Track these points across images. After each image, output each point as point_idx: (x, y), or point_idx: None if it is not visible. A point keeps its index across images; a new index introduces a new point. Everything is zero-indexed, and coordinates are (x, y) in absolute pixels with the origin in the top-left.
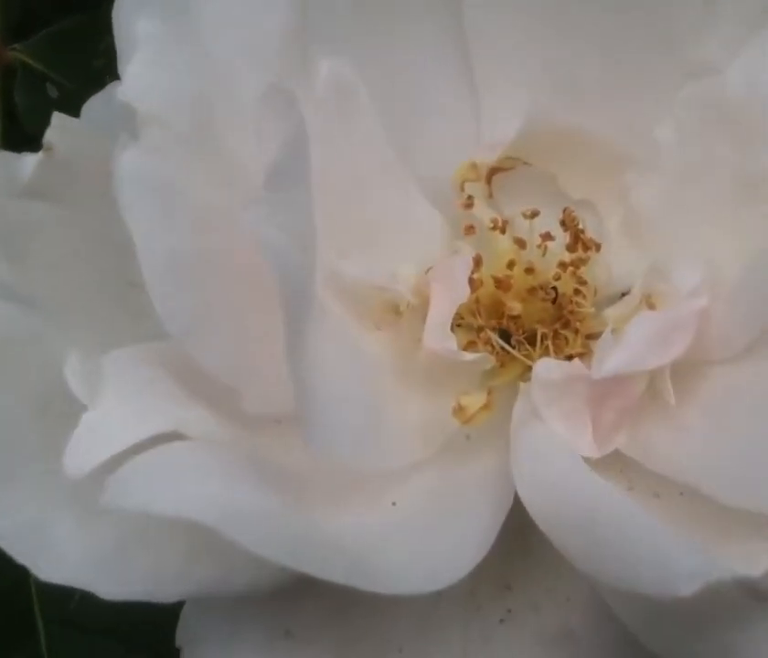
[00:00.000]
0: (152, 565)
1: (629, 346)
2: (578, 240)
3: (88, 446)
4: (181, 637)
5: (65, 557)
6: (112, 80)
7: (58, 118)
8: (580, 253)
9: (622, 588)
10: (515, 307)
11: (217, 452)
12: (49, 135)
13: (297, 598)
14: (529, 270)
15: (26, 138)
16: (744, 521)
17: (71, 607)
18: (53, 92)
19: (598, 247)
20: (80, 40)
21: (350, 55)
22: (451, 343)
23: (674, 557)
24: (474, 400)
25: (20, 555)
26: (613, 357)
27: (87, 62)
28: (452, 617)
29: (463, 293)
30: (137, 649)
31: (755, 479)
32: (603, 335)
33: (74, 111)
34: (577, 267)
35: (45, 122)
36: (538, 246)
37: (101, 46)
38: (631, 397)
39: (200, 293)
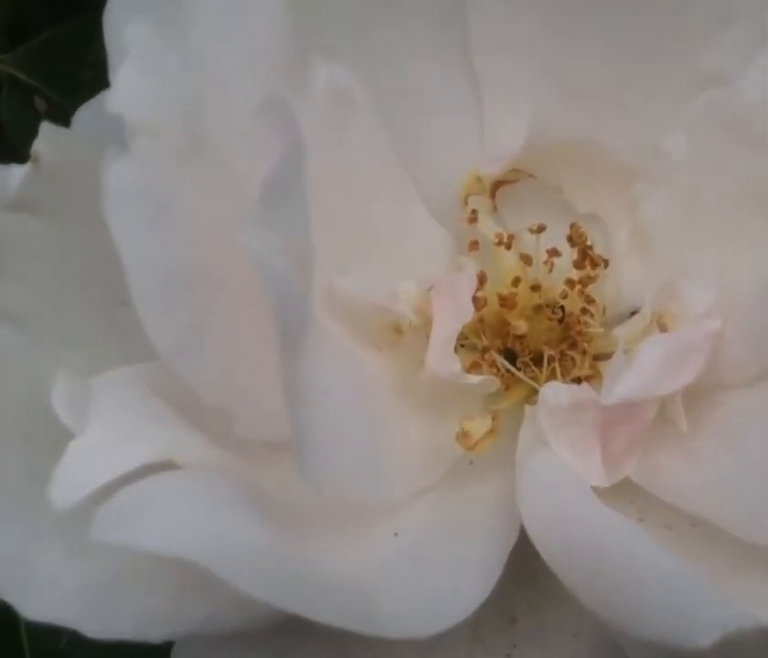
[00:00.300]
0: (141, 603)
1: (640, 371)
2: (586, 257)
3: (75, 476)
4: None
5: (50, 593)
6: (100, 92)
7: (46, 128)
8: (588, 271)
9: (634, 634)
10: (520, 326)
11: (207, 483)
12: (37, 146)
13: (295, 633)
14: (535, 288)
15: (12, 152)
16: (761, 557)
17: (61, 646)
18: (41, 106)
19: (606, 263)
20: (68, 51)
21: (350, 62)
22: (455, 365)
23: (693, 604)
24: (479, 426)
25: (3, 590)
26: (623, 383)
27: (75, 74)
28: (455, 651)
29: (467, 313)
30: None
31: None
32: (614, 359)
33: (63, 124)
34: (585, 285)
35: (32, 136)
36: (545, 262)
37: (90, 57)
38: (641, 423)
39: (191, 312)
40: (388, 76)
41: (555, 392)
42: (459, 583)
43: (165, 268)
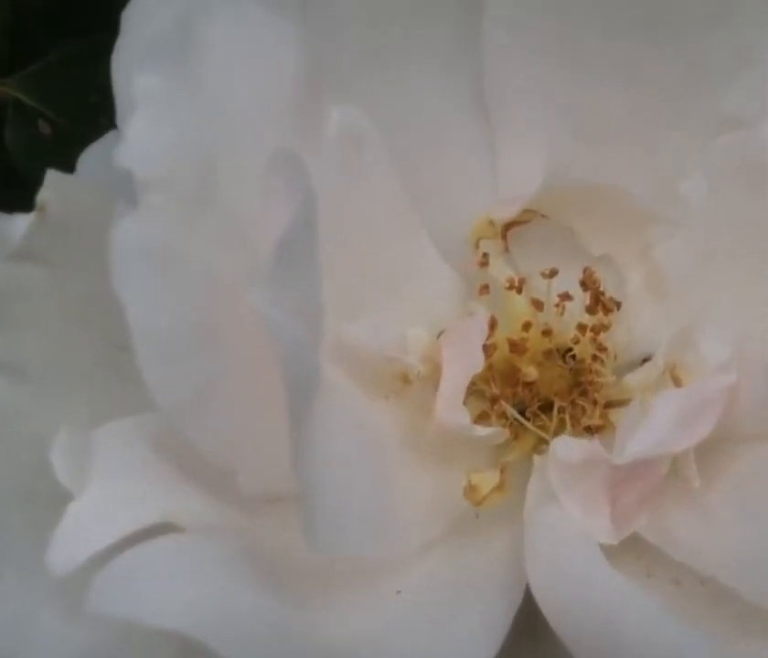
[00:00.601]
0: None
1: (654, 430)
2: (598, 302)
3: (73, 541)
4: None
5: (50, 656)
6: (107, 118)
7: (51, 175)
8: (600, 317)
9: None
10: (530, 373)
11: (208, 549)
12: (43, 194)
13: None
14: (546, 333)
15: (15, 173)
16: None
17: None
18: (45, 129)
19: (618, 306)
20: (73, 74)
21: (363, 105)
22: (464, 417)
23: None
24: (487, 480)
25: (2, 651)
26: (637, 441)
27: (81, 98)
28: None
29: (478, 364)
30: None
31: None
32: (629, 413)
33: (67, 149)
34: (597, 333)
35: (37, 160)
36: (556, 305)
37: (97, 80)
38: (653, 480)
39: (197, 372)
40: (400, 118)
41: (565, 447)
42: (463, 647)
43: (172, 328)
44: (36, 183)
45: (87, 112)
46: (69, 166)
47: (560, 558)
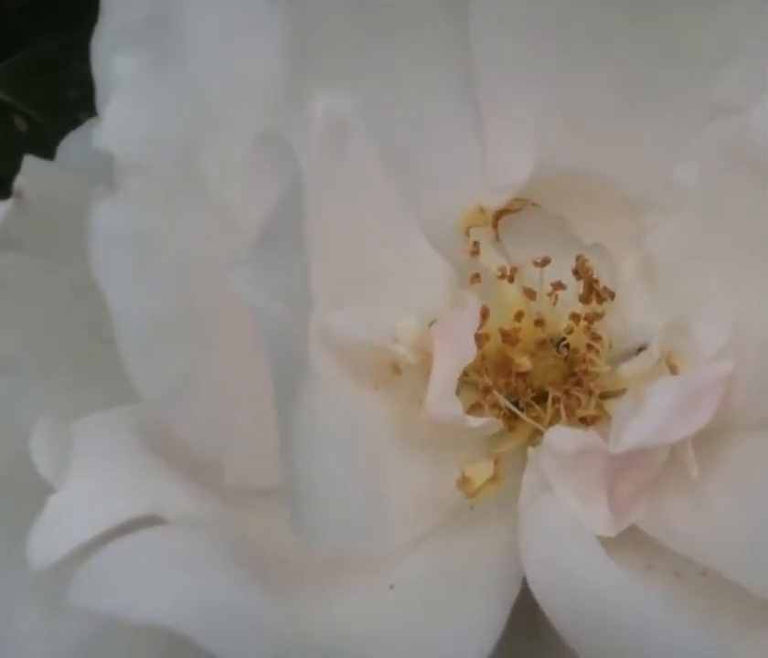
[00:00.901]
0: None
1: (651, 418)
2: (592, 291)
3: (53, 535)
4: None
5: (28, 652)
6: (85, 113)
7: (29, 161)
8: (594, 305)
9: None
10: (523, 363)
11: (194, 542)
12: (20, 181)
13: None
14: (539, 323)
15: None
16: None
17: None
18: (21, 125)
19: (612, 295)
20: (50, 70)
21: (350, 91)
22: (456, 408)
23: None
24: (481, 471)
25: None
26: (633, 430)
27: (58, 93)
28: None
29: (469, 354)
30: None
31: None
32: (624, 402)
33: (44, 146)
34: (591, 321)
35: (12, 159)
36: (549, 295)
37: (74, 75)
38: (651, 470)
39: (182, 361)
40: (388, 105)
41: (560, 438)
42: (458, 642)
43: (154, 315)
44: (12, 180)
45: (64, 108)
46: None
47: (556, 551)
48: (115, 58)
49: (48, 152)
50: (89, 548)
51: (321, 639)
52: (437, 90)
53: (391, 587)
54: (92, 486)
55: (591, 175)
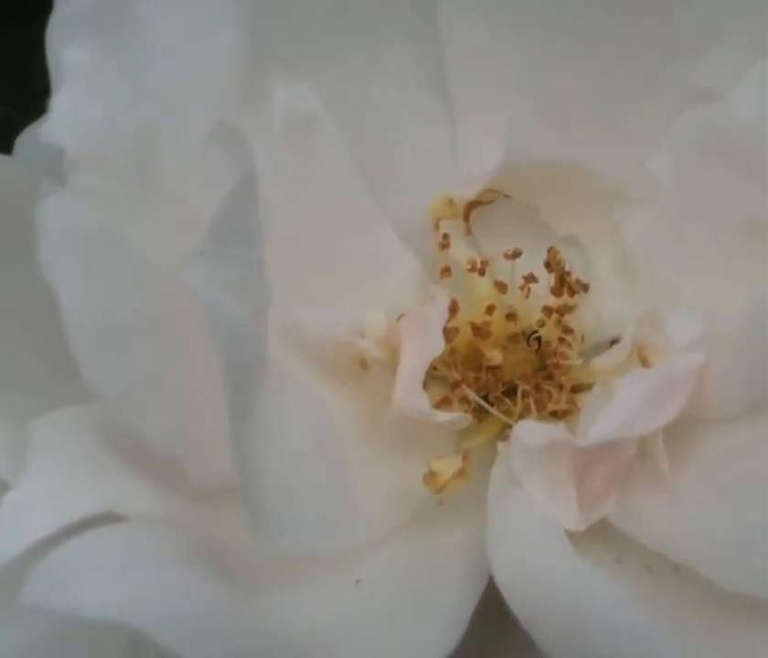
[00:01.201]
0: None
1: (620, 411)
2: (563, 284)
3: (10, 531)
4: None
5: None
6: None
7: None
8: (566, 298)
9: None
10: (494, 357)
11: (153, 538)
12: None
13: None
14: (511, 316)
15: None
16: (746, 605)
17: None
18: None
19: (585, 288)
20: (15, 60)
21: (314, 81)
22: (423, 403)
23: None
24: (448, 466)
25: None
26: (601, 423)
27: (24, 83)
28: None
29: (437, 348)
30: None
31: (757, 562)
32: (592, 396)
33: (12, 135)
34: (562, 314)
35: None
36: (521, 288)
37: (38, 66)
38: (620, 463)
39: (137, 358)
40: (356, 99)
41: (529, 431)
42: (423, 636)
43: (107, 315)
44: None
45: (30, 98)
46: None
47: (523, 546)
48: (67, 46)
49: (14, 140)
50: (44, 547)
51: (285, 635)
52: (407, 84)
53: (357, 582)
54: (48, 484)
55: (564, 167)
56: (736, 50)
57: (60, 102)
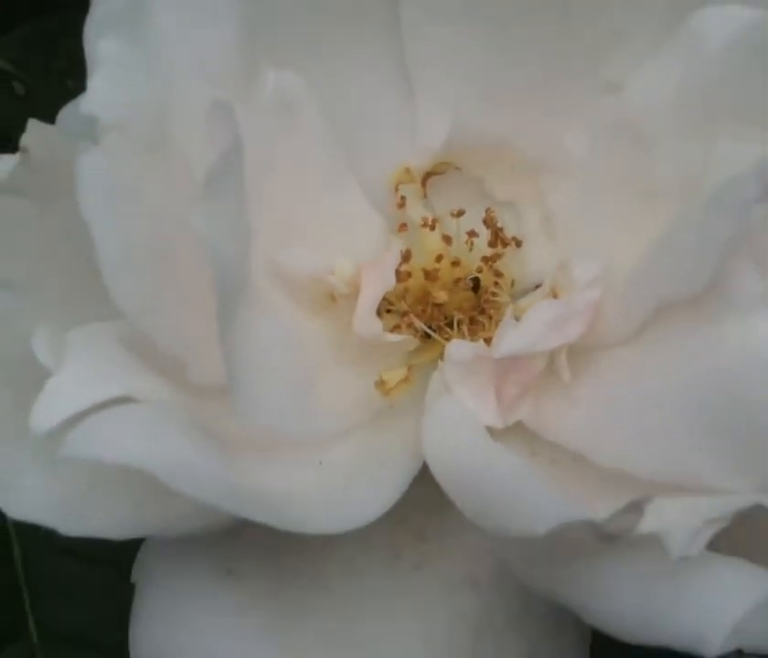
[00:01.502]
0: (107, 509)
1: (527, 330)
2: (497, 237)
3: (51, 406)
4: (136, 574)
5: (32, 500)
6: (72, 81)
7: (32, 124)
8: (499, 249)
9: (501, 534)
10: (440, 296)
11: (165, 414)
12: (25, 139)
13: (236, 543)
14: (455, 264)
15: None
16: (618, 482)
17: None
18: (20, 90)
19: (519, 243)
20: (42, 44)
21: (298, 67)
22: (376, 326)
23: (534, 503)
24: (395, 375)
25: None
26: (510, 339)
27: (48, 64)
28: (375, 563)
29: (389, 282)
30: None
31: (627, 444)
32: (504, 321)
33: (38, 107)
34: (495, 261)
35: (13, 115)
36: (465, 242)
37: (62, 48)
38: (530, 374)
39: (151, 280)
40: (335, 83)
41: (458, 348)
42: (365, 496)
43: (129, 244)
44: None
45: (55, 76)
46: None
47: (449, 434)
48: (99, 41)
49: (40, 110)
50: (77, 419)
51: (263, 490)
52: (376, 69)
53: (321, 463)
54: (83, 373)
55: (499, 143)
56: (637, 51)
57: (95, 84)
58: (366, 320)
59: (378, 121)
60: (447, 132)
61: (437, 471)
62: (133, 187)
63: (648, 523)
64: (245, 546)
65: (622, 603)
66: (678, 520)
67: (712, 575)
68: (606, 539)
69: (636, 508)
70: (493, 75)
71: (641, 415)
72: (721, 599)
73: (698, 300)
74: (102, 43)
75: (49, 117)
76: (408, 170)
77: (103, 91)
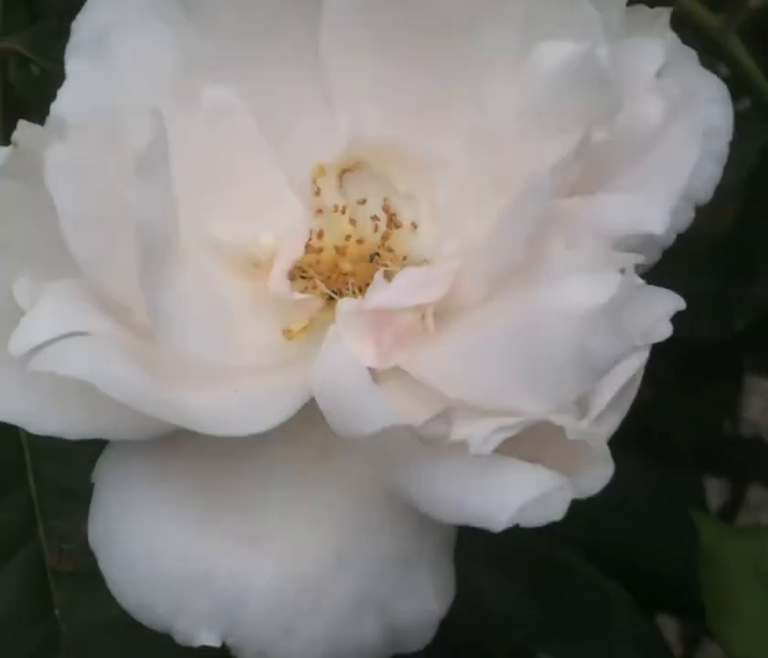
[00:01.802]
0: (68, 413)
1: (392, 288)
2: (392, 221)
3: (25, 336)
4: (94, 476)
5: (11, 404)
6: None
7: (21, 123)
8: (393, 230)
9: (344, 435)
10: (345, 267)
11: (108, 343)
12: (15, 136)
13: (174, 448)
14: (360, 242)
15: (20, 104)
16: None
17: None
18: (36, 71)
19: (414, 226)
20: (51, 37)
21: (232, 83)
22: (286, 287)
23: (368, 409)
24: (298, 324)
25: None
26: (378, 294)
27: (58, 52)
28: (288, 468)
29: (300, 252)
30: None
31: (462, 377)
32: (375, 280)
33: (49, 84)
34: (387, 239)
35: (32, 92)
36: (371, 225)
37: (61, 44)
38: (401, 325)
39: (102, 242)
40: (264, 93)
41: (346, 304)
42: (263, 410)
43: (85, 213)
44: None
45: (60, 64)
46: (51, 94)
47: (334, 372)
48: (70, 60)
49: (51, 88)
50: (45, 345)
51: (178, 402)
52: (300, 79)
53: (236, 391)
54: (50, 315)
55: (395, 145)
56: (498, 75)
57: (63, 92)
58: (278, 280)
59: (303, 124)
60: (348, 135)
61: (324, 406)
62: (90, 170)
63: (459, 431)
64: (181, 451)
65: (441, 492)
66: (480, 427)
67: (507, 473)
68: (428, 443)
69: (445, 417)
70: (388, 88)
71: (477, 357)
72: (511, 490)
73: (526, 271)
74: (72, 61)
75: None
76: (322, 167)
77: (69, 98)
